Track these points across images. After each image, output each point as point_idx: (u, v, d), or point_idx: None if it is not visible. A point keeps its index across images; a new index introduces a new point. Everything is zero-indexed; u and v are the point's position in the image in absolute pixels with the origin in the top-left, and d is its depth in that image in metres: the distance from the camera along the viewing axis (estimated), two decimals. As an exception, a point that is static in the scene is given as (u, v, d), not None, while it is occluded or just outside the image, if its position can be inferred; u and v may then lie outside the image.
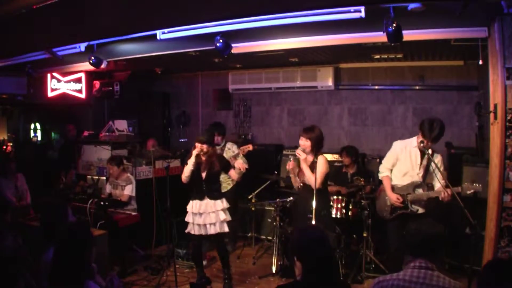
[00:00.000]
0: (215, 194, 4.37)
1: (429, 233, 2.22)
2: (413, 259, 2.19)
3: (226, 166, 4.46)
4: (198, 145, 4.26)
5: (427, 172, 3.99)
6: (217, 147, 5.61)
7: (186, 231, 4.42)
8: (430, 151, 3.93)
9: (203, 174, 4.35)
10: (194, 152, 4.24)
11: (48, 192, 5.69)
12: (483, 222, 3.69)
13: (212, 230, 4.30)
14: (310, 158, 4.05)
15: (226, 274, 4.49)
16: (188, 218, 4.38)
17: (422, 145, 3.88)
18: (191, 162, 4.27)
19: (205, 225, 4.30)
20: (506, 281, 1.79)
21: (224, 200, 4.41)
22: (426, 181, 4.01)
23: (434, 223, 2.29)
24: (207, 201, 4.33)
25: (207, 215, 4.30)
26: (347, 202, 5.12)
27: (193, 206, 4.36)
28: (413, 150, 4.05)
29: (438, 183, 3.92)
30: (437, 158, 3.96)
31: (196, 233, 4.34)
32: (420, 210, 4.00)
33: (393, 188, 4.09)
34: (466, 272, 4.14)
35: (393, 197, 4.01)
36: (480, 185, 3.80)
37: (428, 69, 6.44)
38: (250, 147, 4.77)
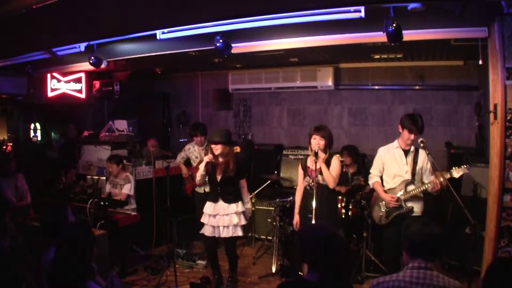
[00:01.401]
0: (230, 197, 4.28)
1: (427, 233, 2.21)
2: (411, 260, 2.19)
3: (242, 173, 4.35)
4: (212, 147, 4.18)
5: (415, 170, 3.99)
6: (200, 147, 5.62)
7: (201, 231, 4.39)
8: (412, 149, 3.97)
9: (218, 177, 4.29)
10: (206, 158, 4.17)
11: (48, 192, 5.69)
12: (483, 222, 3.69)
13: (224, 233, 4.26)
14: (323, 156, 4.09)
15: (231, 278, 4.45)
16: (204, 219, 4.34)
17: (422, 145, 3.88)
18: (202, 166, 4.23)
19: (218, 227, 4.27)
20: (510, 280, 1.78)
21: (239, 203, 4.31)
22: (417, 179, 4.00)
23: (432, 223, 2.28)
24: (221, 203, 4.28)
25: (220, 217, 4.25)
26: (347, 202, 5.11)
27: (208, 207, 4.34)
28: (396, 151, 4.07)
29: (429, 178, 3.92)
30: (423, 154, 3.96)
31: (209, 234, 4.30)
32: (417, 212, 3.98)
33: (386, 192, 4.08)
34: (466, 272, 4.15)
35: (387, 197, 4.00)
36: (467, 166, 3.80)
37: (428, 69, 6.45)
38: (238, 148, 4.76)
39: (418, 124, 3.87)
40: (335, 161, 4.11)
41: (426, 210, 4.08)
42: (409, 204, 3.95)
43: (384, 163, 4.14)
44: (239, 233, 4.32)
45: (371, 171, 4.25)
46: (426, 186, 3.86)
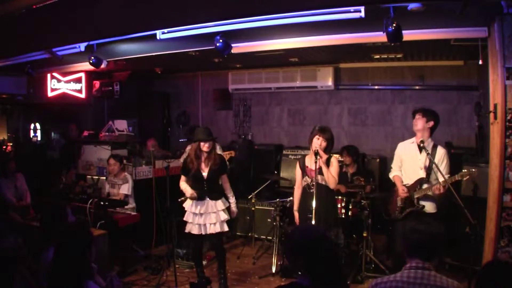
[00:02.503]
0: (216, 194, 4.32)
1: (425, 233, 2.21)
2: (409, 260, 2.19)
3: (224, 168, 4.42)
4: (202, 144, 4.24)
5: (430, 168, 3.99)
6: None
7: (186, 230, 4.38)
8: (430, 146, 3.96)
9: (205, 174, 4.30)
10: (188, 194, 4.26)
11: (48, 192, 5.69)
12: (483, 222, 3.69)
13: (212, 230, 4.27)
14: (325, 157, 4.11)
15: (222, 274, 4.46)
16: (188, 217, 4.34)
17: (422, 144, 3.90)
18: (187, 194, 4.29)
19: (205, 224, 4.28)
20: (504, 283, 1.79)
21: (223, 199, 4.38)
22: (433, 177, 3.99)
23: (431, 222, 2.28)
24: (207, 201, 4.29)
25: (207, 215, 4.26)
26: (347, 202, 5.11)
27: (192, 206, 4.32)
28: (412, 146, 4.10)
29: (441, 178, 3.93)
30: (441, 152, 3.97)
31: (196, 232, 4.30)
32: (430, 209, 3.99)
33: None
34: (466, 272, 4.15)
35: (400, 188, 4.07)
36: (475, 169, 3.82)
37: (428, 69, 6.44)
38: (232, 153, 4.82)
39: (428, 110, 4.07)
40: (334, 161, 4.12)
41: (438, 210, 4.07)
42: (422, 203, 3.97)
43: (402, 159, 4.19)
44: (225, 228, 4.37)
45: (392, 165, 4.34)
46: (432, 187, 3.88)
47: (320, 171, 4.00)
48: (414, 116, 4.09)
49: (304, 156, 4.39)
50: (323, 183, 4.06)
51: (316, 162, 3.94)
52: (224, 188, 4.44)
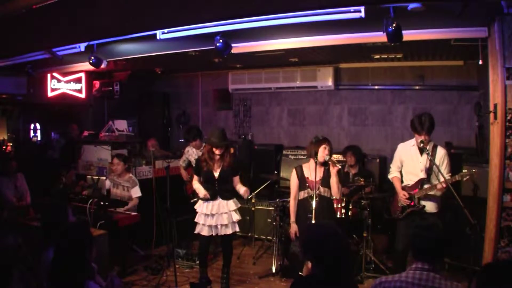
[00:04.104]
0: (228, 194, 4.31)
1: (429, 236, 2.24)
2: (415, 261, 2.22)
3: (237, 169, 4.39)
4: (214, 148, 4.21)
5: (431, 169, 4.00)
6: (198, 150, 5.63)
7: (196, 231, 4.36)
8: (430, 147, 3.97)
9: (216, 174, 4.29)
10: (201, 195, 4.22)
11: (48, 192, 5.69)
12: (483, 222, 3.69)
13: (223, 232, 4.28)
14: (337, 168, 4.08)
15: (225, 274, 4.47)
16: (199, 219, 4.32)
17: (422, 145, 3.91)
18: (200, 194, 4.26)
19: (216, 226, 4.27)
20: (504, 283, 1.79)
21: (235, 199, 4.37)
22: (433, 177, 4.01)
23: (436, 225, 2.30)
24: (219, 201, 4.27)
25: (219, 216, 4.24)
26: (347, 202, 5.11)
27: (204, 206, 4.29)
28: (413, 149, 4.11)
29: (442, 178, 3.94)
30: (441, 152, 3.99)
31: (207, 234, 4.28)
32: (431, 209, 4.01)
33: (404, 188, 4.15)
34: (466, 272, 4.16)
35: (400, 194, 4.09)
36: (476, 170, 3.86)
37: (428, 69, 6.45)
38: (231, 150, 4.83)
39: (424, 126, 3.87)
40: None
41: (439, 209, 4.09)
42: (423, 202, 3.99)
43: (402, 160, 4.19)
44: (237, 228, 4.39)
45: (391, 166, 4.34)
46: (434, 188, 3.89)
47: (323, 183, 4.01)
48: (413, 130, 4.01)
49: (301, 165, 4.27)
50: (325, 194, 4.05)
51: (315, 170, 3.97)
52: (235, 186, 4.36)
